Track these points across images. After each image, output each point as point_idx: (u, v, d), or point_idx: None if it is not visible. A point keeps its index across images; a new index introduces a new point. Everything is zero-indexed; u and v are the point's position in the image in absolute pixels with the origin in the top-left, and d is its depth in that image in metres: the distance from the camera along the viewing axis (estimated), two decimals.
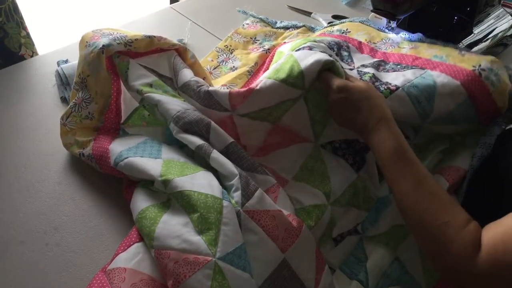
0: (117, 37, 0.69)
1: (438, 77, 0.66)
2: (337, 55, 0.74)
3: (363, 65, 0.73)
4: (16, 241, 0.60)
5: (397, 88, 0.66)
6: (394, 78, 0.68)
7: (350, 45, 0.78)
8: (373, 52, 0.78)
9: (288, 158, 0.69)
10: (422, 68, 0.69)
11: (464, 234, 0.48)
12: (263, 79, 0.66)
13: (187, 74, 0.71)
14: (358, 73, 0.70)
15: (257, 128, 0.69)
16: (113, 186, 0.67)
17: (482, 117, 0.67)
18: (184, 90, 0.70)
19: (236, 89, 0.69)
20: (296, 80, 0.65)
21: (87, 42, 0.70)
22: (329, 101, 0.64)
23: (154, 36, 0.72)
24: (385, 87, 0.66)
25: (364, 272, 0.61)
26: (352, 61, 0.75)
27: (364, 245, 0.65)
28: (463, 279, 0.48)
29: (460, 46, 0.90)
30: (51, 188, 0.67)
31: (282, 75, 0.65)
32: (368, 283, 0.60)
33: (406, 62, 0.72)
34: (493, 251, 0.45)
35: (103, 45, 0.67)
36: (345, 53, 0.77)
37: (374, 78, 0.68)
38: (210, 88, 0.68)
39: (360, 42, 0.80)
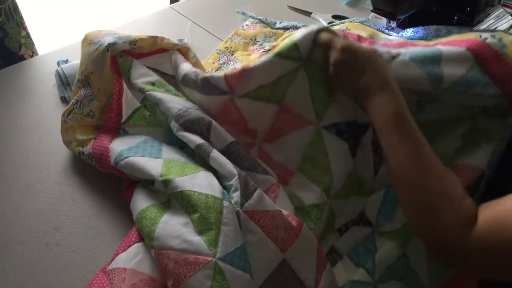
0: (122, 36, 0.70)
1: (443, 47, 0.62)
2: None
3: None
4: (16, 241, 0.60)
5: (399, 54, 0.63)
6: (395, 49, 0.65)
7: (349, 37, 0.78)
8: (372, 44, 0.77)
9: (293, 144, 0.68)
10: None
11: (460, 206, 0.47)
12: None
13: (185, 67, 0.72)
14: None
15: (263, 111, 0.68)
16: (113, 186, 0.67)
17: (500, 83, 0.60)
18: (185, 83, 0.70)
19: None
20: (290, 52, 0.63)
21: (90, 40, 0.71)
22: (331, 62, 0.61)
23: (157, 37, 0.72)
24: (387, 55, 0.63)
25: (371, 262, 0.61)
26: None
27: (375, 239, 0.64)
28: (450, 252, 0.46)
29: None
30: (51, 188, 0.67)
31: (277, 51, 0.64)
32: (374, 272, 0.60)
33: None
34: (489, 227, 0.44)
35: (109, 43, 0.68)
36: None
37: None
38: (206, 75, 0.68)
39: (359, 36, 0.79)
